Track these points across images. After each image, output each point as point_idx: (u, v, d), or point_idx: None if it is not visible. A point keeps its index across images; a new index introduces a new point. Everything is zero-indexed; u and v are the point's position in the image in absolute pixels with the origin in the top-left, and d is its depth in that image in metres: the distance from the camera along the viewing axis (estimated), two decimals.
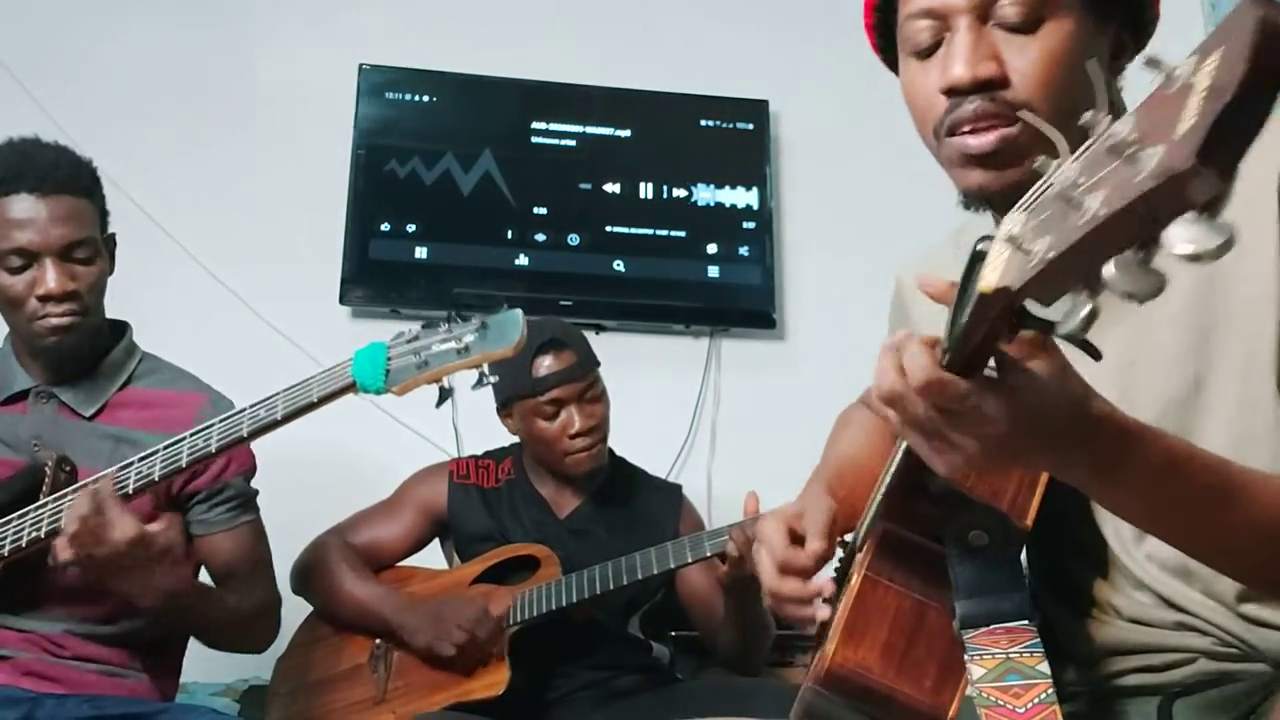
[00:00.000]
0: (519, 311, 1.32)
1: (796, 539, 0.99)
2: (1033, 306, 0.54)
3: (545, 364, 1.83)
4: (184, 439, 1.38)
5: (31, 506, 1.41)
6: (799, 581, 0.97)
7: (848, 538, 1.06)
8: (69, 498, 1.39)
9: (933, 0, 0.88)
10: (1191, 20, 3.00)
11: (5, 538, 1.40)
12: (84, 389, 1.57)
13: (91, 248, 1.52)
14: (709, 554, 1.77)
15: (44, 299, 1.47)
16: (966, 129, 0.87)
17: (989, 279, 0.52)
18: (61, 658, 1.48)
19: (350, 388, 1.32)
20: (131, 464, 1.39)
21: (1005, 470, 0.75)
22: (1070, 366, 0.66)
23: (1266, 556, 0.75)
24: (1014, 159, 0.86)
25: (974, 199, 0.92)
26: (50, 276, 1.46)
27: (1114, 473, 0.69)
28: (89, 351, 1.58)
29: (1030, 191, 0.53)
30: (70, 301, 1.48)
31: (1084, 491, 0.76)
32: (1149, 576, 0.89)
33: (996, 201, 0.90)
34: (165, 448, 1.39)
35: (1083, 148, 0.48)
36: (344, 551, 1.90)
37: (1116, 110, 0.50)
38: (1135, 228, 0.42)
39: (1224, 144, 0.38)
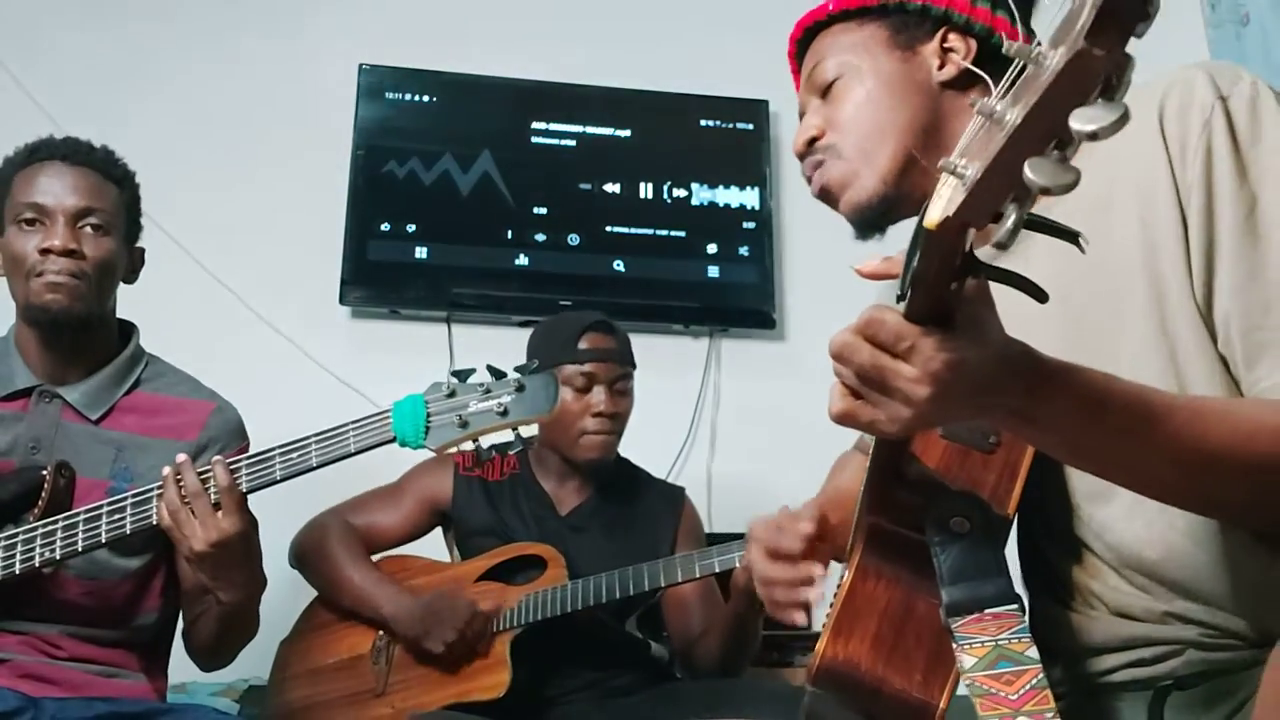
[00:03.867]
0: (555, 374, 1.38)
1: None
2: (977, 252, 0.60)
3: (590, 339, 1.89)
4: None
5: (41, 523, 1.40)
6: (788, 565, 1.00)
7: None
8: (81, 516, 1.39)
9: (798, 93, 1.15)
10: (1192, 19, 3.00)
11: (15, 554, 1.39)
12: (90, 391, 1.56)
13: (106, 223, 1.53)
14: (718, 570, 1.76)
15: (45, 252, 1.48)
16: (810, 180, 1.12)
17: (932, 215, 0.55)
18: (59, 659, 1.48)
19: (389, 441, 1.36)
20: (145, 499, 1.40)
21: (942, 420, 0.75)
22: (996, 316, 0.67)
23: (1194, 479, 0.76)
24: (837, 191, 1.08)
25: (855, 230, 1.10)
26: (56, 233, 1.49)
27: (1031, 414, 0.71)
28: (89, 343, 1.56)
29: (967, 131, 0.56)
30: (71, 259, 1.48)
31: (1003, 429, 0.80)
32: (1127, 560, 0.90)
33: (867, 228, 1.09)
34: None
35: (1005, 79, 0.52)
36: (344, 533, 1.90)
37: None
38: (1046, 123, 0.46)
39: (1109, 26, 0.43)
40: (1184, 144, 0.85)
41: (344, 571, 1.86)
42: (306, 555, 1.91)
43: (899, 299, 0.65)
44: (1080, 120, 0.44)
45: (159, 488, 1.39)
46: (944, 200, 0.54)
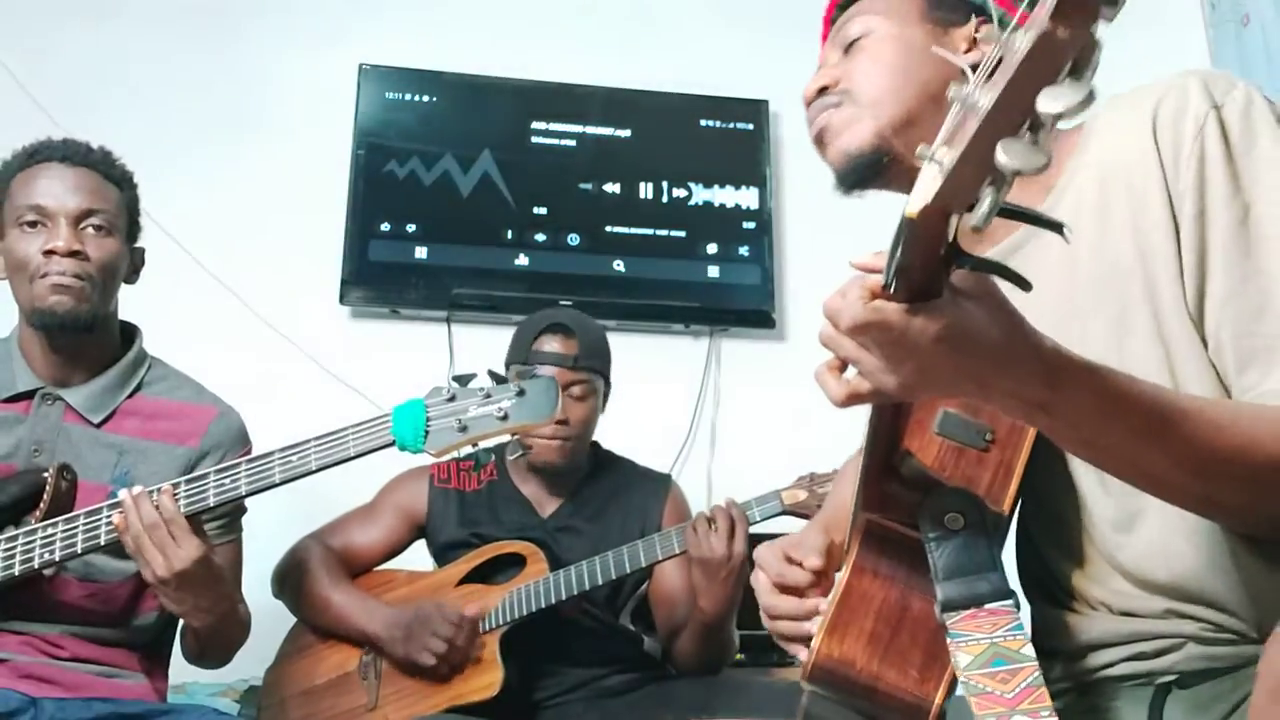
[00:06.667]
0: (554, 380, 1.38)
1: (793, 564, 1.03)
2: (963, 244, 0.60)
3: (546, 342, 1.85)
4: (208, 476, 1.39)
5: (41, 525, 1.40)
6: (794, 599, 1.00)
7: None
8: (80, 517, 1.39)
9: (822, 49, 1.15)
10: (1191, 19, 3.00)
11: (14, 555, 1.39)
12: (93, 394, 1.55)
13: (107, 224, 1.53)
14: None
15: (49, 253, 1.48)
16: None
17: (913, 204, 0.55)
18: (60, 659, 1.48)
19: (389, 445, 1.35)
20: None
21: (944, 393, 0.75)
22: (1006, 301, 0.67)
23: (1199, 481, 0.76)
24: (835, 132, 1.07)
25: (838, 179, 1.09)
26: (59, 234, 1.49)
27: (1049, 406, 0.71)
28: (92, 345, 1.56)
29: (947, 121, 0.56)
30: (75, 260, 1.49)
31: (1025, 423, 0.80)
32: (1133, 565, 0.90)
33: (850, 178, 1.07)
34: (188, 483, 1.39)
35: (982, 68, 0.52)
36: (323, 556, 1.88)
37: None
38: (1017, 106, 0.47)
39: (1074, 7, 0.44)
40: (1177, 151, 0.85)
41: (324, 594, 1.85)
42: (286, 581, 1.89)
43: (884, 289, 0.65)
44: (1047, 100, 0.45)
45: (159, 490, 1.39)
46: (924, 188, 0.54)
